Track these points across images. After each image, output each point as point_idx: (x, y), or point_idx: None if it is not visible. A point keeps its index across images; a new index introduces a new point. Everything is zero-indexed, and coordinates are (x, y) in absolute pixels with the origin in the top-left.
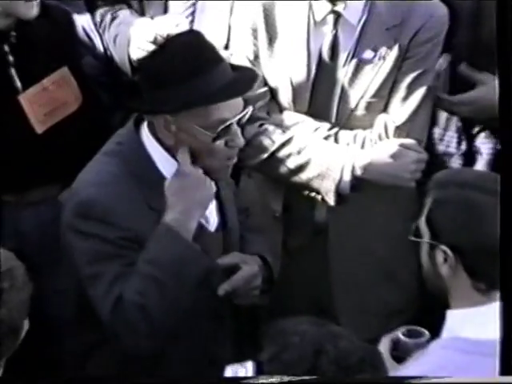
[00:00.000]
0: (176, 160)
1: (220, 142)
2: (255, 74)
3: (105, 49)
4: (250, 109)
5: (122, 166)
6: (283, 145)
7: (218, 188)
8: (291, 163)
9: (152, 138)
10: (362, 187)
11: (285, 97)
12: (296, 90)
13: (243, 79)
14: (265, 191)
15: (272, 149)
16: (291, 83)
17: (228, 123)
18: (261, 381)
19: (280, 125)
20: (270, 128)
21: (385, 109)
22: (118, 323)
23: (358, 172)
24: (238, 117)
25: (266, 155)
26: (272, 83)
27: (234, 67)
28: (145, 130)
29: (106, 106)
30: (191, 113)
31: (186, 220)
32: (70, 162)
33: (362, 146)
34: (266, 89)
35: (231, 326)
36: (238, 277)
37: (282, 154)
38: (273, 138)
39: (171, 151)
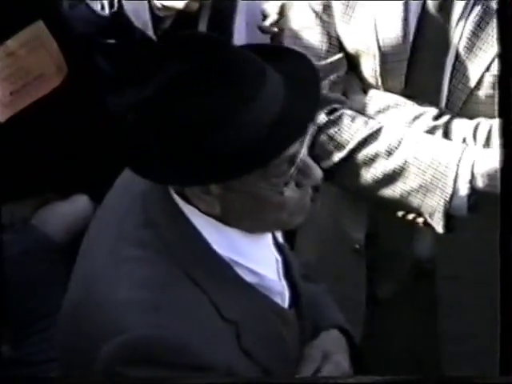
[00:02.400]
0: (234, 228)
1: (290, 190)
2: (314, 68)
3: None
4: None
5: (168, 261)
6: (366, 141)
7: (281, 249)
8: (378, 169)
9: (186, 203)
10: (486, 205)
11: (369, 68)
12: (386, 58)
13: (305, 86)
14: (339, 212)
15: (349, 147)
16: (379, 47)
17: (299, 159)
18: None
19: (362, 111)
20: (347, 116)
21: None
22: None
23: (480, 183)
24: (307, 139)
25: (339, 157)
26: (350, 47)
27: (278, 63)
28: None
29: (108, 82)
30: None
31: None
32: (51, 167)
33: (487, 143)
34: (340, 56)
35: None
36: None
37: (363, 155)
38: (350, 131)
39: (223, 220)
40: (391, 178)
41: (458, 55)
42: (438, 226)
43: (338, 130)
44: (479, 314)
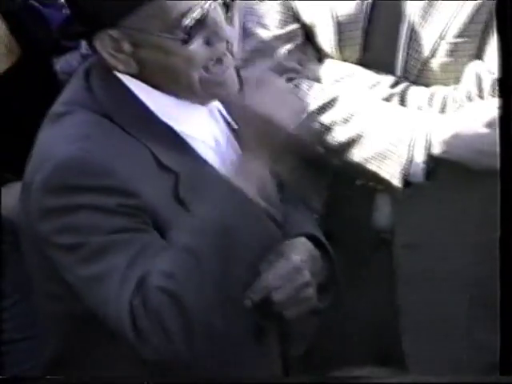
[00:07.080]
0: (164, 93)
1: (196, 44)
2: None
3: None
4: None
5: (100, 115)
6: (322, 109)
7: None
8: (335, 137)
9: (124, 74)
10: (442, 173)
11: (325, 38)
12: (342, 28)
13: None
14: (299, 182)
15: (305, 116)
16: (333, 17)
17: (198, 12)
18: None
19: (318, 79)
20: (303, 84)
21: (477, 55)
22: (144, 324)
23: (436, 149)
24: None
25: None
26: (306, 17)
27: None
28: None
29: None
30: (140, 17)
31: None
32: (7, 148)
33: (442, 110)
34: (296, 26)
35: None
36: (267, 278)
37: (320, 123)
38: (307, 100)
39: (143, 79)
40: (348, 145)
41: (412, 24)
42: (396, 193)
43: None
44: (438, 283)
